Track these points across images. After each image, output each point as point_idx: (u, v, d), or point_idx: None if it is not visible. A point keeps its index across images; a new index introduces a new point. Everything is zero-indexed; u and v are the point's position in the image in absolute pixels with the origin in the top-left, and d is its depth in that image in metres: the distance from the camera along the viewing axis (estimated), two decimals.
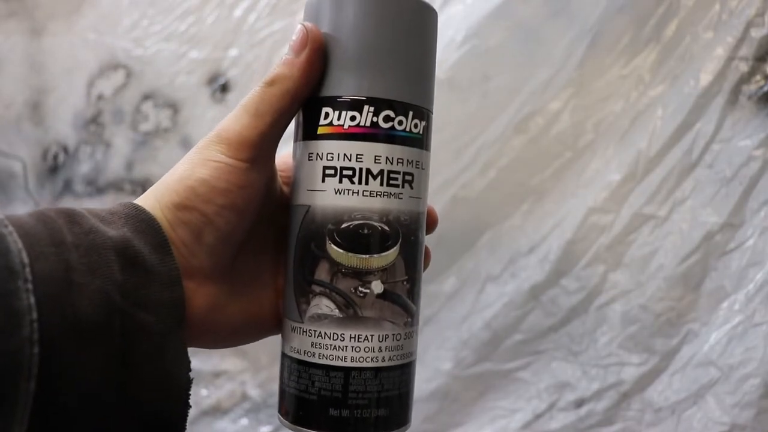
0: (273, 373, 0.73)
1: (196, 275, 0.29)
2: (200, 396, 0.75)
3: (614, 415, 0.60)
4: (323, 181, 0.29)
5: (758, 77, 0.58)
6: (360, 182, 0.28)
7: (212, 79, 0.88)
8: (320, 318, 0.29)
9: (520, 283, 0.64)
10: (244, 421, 0.74)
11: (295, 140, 0.31)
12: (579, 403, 0.61)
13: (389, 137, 0.29)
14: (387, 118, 0.29)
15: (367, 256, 0.28)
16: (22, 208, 1.02)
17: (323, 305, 0.29)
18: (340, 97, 0.29)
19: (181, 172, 0.29)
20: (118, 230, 0.26)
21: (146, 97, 0.92)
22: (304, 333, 0.29)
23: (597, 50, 0.64)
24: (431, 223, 0.34)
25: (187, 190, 0.28)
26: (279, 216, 0.32)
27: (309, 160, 0.29)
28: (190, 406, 0.27)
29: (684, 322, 0.58)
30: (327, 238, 0.28)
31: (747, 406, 0.53)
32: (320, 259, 0.29)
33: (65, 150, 0.99)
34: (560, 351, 0.62)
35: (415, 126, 0.29)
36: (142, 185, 0.93)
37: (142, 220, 0.27)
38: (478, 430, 0.65)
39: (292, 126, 0.31)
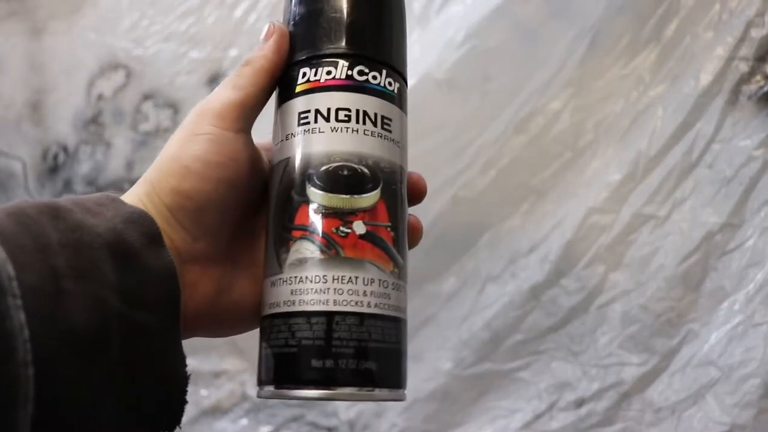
0: None
1: (200, 259, 0.28)
2: (200, 396, 0.75)
3: (614, 415, 0.59)
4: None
5: (758, 77, 0.58)
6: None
7: (212, 79, 0.88)
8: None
9: (520, 283, 0.64)
10: (244, 421, 0.73)
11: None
12: (579, 403, 0.61)
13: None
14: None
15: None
16: None
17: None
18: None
19: (172, 153, 0.29)
20: (106, 222, 0.25)
21: (146, 97, 0.92)
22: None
23: (597, 50, 0.64)
24: (415, 232, 0.33)
25: (182, 170, 0.28)
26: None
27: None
28: (187, 402, 0.26)
29: (684, 322, 0.58)
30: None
31: (747, 406, 0.53)
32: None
33: (65, 150, 0.99)
34: (560, 351, 0.62)
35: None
36: None
37: (131, 211, 0.26)
38: (479, 430, 0.65)
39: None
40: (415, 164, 0.34)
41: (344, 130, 0.29)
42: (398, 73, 0.32)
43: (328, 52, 0.30)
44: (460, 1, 0.68)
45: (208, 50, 0.88)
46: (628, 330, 0.60)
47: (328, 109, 0.29)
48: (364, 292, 0.27)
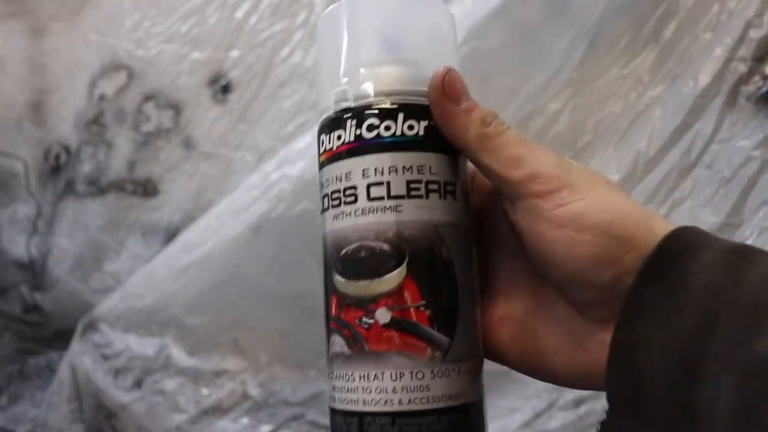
0: (273, 372, 0.74)
1: None
2: (201, 395, 0.75)
3: None
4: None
5: (757, 78, 0.58)
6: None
7: (214, 80, 0.88)
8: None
9: None
10: (245, 421, 0.74)
11: None
12: (578, 403, 0.61)
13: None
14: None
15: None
16: (23, 209, 1.02)
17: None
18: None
19: None
20: None
21: (148, 97, 0.93)
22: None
23: (596, 51, 0.64)
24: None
25: None
26: None
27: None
28: None
29: None
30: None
31: None
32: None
33: (67, 150, 1.00)
34: None
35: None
36: (144, 185, 0.93)
37: None
38: None
39: None
40: None
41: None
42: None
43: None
44: (459, 1, 0.68)
45: (210, 51, 0.88)
46: None
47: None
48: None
